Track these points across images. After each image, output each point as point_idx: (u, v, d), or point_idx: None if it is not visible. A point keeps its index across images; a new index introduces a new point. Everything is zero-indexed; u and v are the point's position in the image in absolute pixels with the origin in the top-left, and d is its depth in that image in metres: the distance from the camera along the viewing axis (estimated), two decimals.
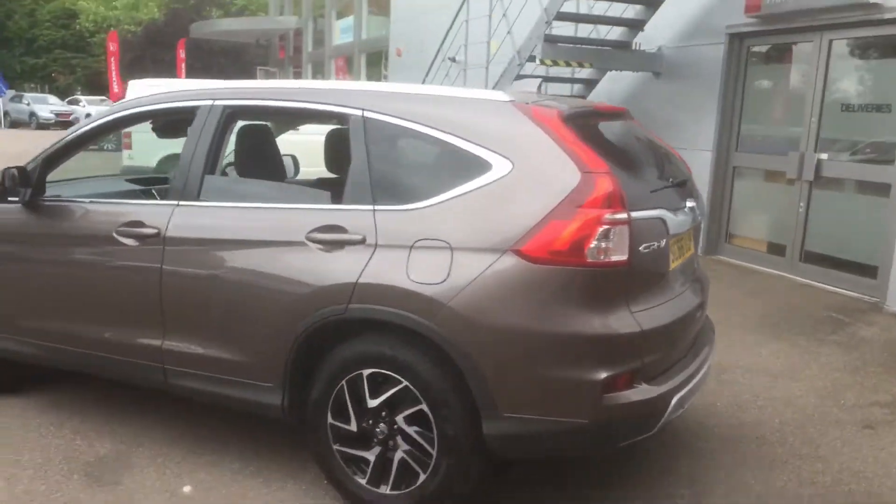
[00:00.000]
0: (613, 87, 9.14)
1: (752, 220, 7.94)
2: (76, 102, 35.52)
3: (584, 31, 8.92)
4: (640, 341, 2.70)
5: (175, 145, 3.69)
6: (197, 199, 3.30)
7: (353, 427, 2.96)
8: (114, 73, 34.78)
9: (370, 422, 2.93)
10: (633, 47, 8.55)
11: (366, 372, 2.90)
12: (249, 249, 3.11)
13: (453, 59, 13.94)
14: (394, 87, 3.17)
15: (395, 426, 2.89)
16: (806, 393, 4.43)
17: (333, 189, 3.13)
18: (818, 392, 4.45)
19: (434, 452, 2.81)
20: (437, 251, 2.74)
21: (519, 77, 8.60)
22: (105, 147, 22.48)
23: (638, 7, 8.25)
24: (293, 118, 3.73)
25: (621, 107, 3.46)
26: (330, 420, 3.01)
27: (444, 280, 2.70)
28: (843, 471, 3.48)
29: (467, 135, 2.83)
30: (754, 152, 7.69)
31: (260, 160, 3.60)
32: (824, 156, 6.75)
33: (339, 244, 2.92)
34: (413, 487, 2.88)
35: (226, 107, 3.37)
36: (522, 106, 2.87)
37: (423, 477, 2.85)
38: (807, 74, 6.96)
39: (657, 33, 8.42)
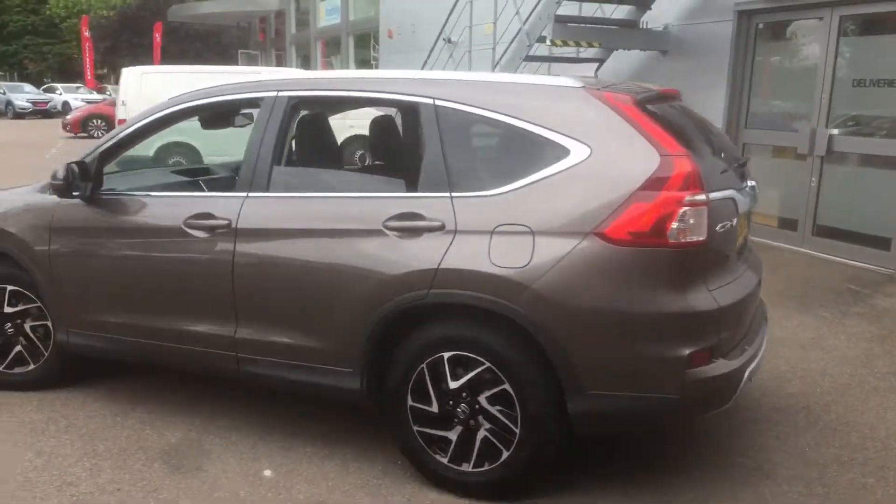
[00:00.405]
0: (619, 66, 9.21)
1: (762, 195, 8.05)
2: (52, 90, 34.99)
3: (588, 10, 8.96)
4: (718, 318, 2.81)
5: (173, 133, 3.73)
6: (266, 189, 3.35)
7: (435, 408, 3.05)
8: (88, 60, 34.11)
9: (450, 403, 3.02)
10: (641, 26, 8.61)
11: (446, 355, 2.98)
12: (324, 238, 3.16)
13: (448, 41, 13.97)
14: (463, 75, 3.23)
15: (477, 406, 2.97)
16: (839, 363, 4.58)
17: (405, 177, 3.19)
18: (851, 362, 4.60)
19: (517, 430, 2.91)
20: (518, 236, 2.82)
21: (528, 58, 8.65)
22: (94, 136, 22.22)
23: None
24: (358, 107, 3.78)
25: (674, 89, 3.54)
26: (410, 402, 3.09)
27: (528, 263, 2.78)
28: (891, 436, 3.63)
29: (543, 121, 2.91)
30: (764, 129, 7.82)
31: (321, 150, 3.65)
32: (836, 131, 6.89)
33: (417, 231, 2.99)
34: (496, 464, 2.98)
35: (290, 97, 3.41)
36: (595, 91, 2.95)
37: (506, 454, 2.95)
38: (817, 50, 7.08)
39: (663, 12, 8.50)
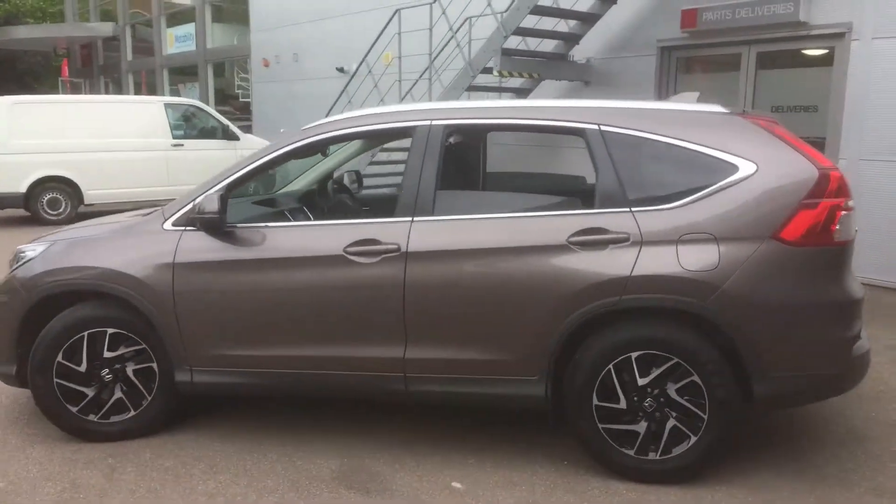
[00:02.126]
0: (543, 95, 9.91)
1: None
2: None
3: (525, 43, 9.56)
4: (862, 303, 3.38)
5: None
6: (432, 213, 3.50)
7: (622, 405, 3.35)
8: None
9: (636, 398, 3.35)
10: (569, 59, 9.37)
11: (634, 354, 3.31)
12: (504, 256, 3.38)
13: (341, 70, 14.15)
14: (619, 104, 3.59)
15: (663, 399, 3.32)
16: None
17: (579, 195, 3.49)
18: None
19: (706, 416, 3.29)
20: (703, 243, 3.23)
21: (471, 88, 9.11)
22: None
23: (574, 22, 9.06)
24: (511, 135, 3.97)
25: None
26: (595, 402, 3.37)
27: (716, 266, 3.20)
28: None
29: (707, 142, 3.35)
30: None
31: (479, 174, 3.84)
32: None
33: (602, 244, 3.31)
34: (683, 450, 3.34)
35: (446, 126, 3.59)
36: (742, 116, 3.44)
37: (693, 439, 3.32)
38: (735, 81, 8.15)
39: (586, 46, 9.31)
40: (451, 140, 4.17)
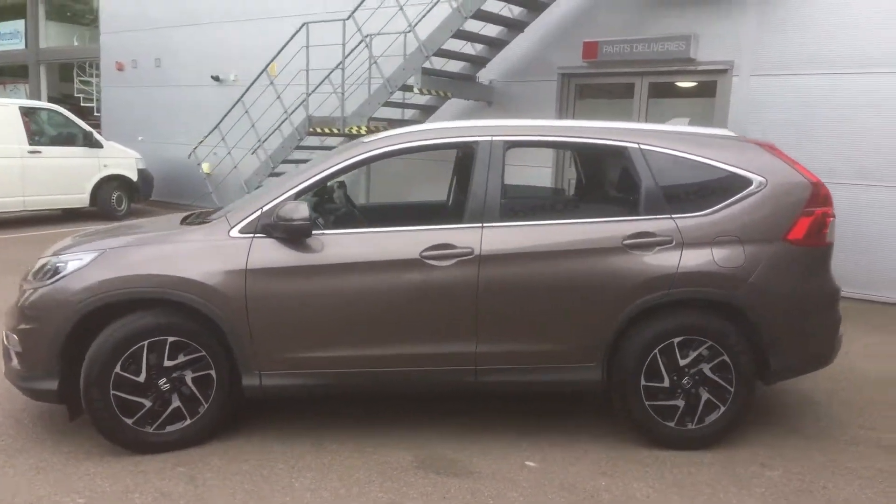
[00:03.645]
0: (446, 112, 10.46)
1: None
2: None
3: (429, 62, 10.03)
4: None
5: None
6: (500, 220, 3.88)
7: (666, 384, 3.92)
8: None
9: (676, 377, 3.93)
10: (476, 80, 9.99)
11: (676, 340, 3.89)
12: (568, 258, 3.84)
13: (216, 78, 13.85)
14: (651, 126, 4.17)
15: (698, 377, 3.92)
16: None
17: (626, 204, 4.01)
18: None
19: (732, 388, 3.93)
20: (732, 244, 3.89)
21: (391, 104, 9.44)
22: None
23: (481, 46, 9.70)
24: (563, 151, 4.34)
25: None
26: (643, 383, 3.91)
27: (742, 263, 3.87)
28: None
29: (727, 160, 4.02)
30: None
31: (536, 185, 4.23)
32: None
33: (651, 246, 3.87)
34: (714, 418, 3.96)
35: (506, 142, 3.99)
36: (748, 139, 4.17)
37: (722, 409, 3.95)
38: (629, 107, 9.16)
39: (489, 69, 9.99)
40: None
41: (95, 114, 17.41)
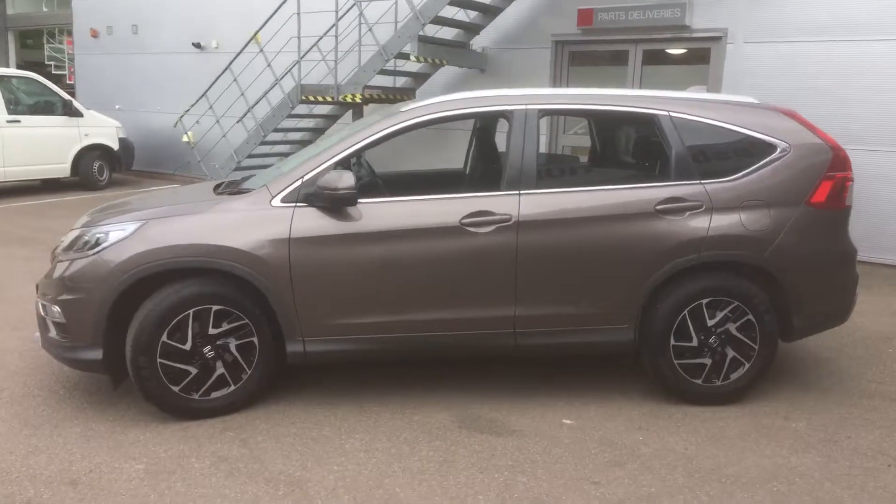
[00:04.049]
0: (439, 80, 10.46)
1: None
2: None
3: (423, 30, 10.00)
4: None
5: None
6: (536, 187, 3.97)
7: (694, 343, 4.07)
8: None
9: (703, 336, 4.09)
10: (470, 47, 9.98)
11: (705, 301, 4.04)
12: (603, 223, 3.95)
13: (198, 45, 13.62)
14: (682, 94, 4.27)
15: (724, 336, 4.09)
16: None
17: (658, 170, 4.12)
18: None
19: (756, 346, 4.11)
20: (759, 208, 4.03)
21: (383, 71, 9.41)
22: None
23: (475, 13, 9.68)
24: (595, 119, 4.41)
25: None
26: (673, 342, 4.07)
27: (769, 227, 4.02)
28: None
29: (752, 126, 4.15)
30: (579, 134, 9.82)
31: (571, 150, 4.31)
32: None
33: (682, 211, 3.99)
34: (739, 375, 4.13)
35: (540, 110, 4.06)
36: (770, 105, 4.29)
37: (746, 366, 4.12)
38: (623, 74, 9.26)
39: (482, 36, 10.00)
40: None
41: (68, 82, 17.02)
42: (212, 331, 3.82)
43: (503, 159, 4.04)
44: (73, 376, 4.40)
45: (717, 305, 4.06)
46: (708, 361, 4.10)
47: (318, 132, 11.41)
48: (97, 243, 3.82)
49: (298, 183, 3.88)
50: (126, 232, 3.79)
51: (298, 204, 3.85)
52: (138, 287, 3.78)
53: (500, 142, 4.46)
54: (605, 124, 4.32)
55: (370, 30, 9.29)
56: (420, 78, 10.41)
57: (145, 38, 14.58)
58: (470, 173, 5.39)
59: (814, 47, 7.99)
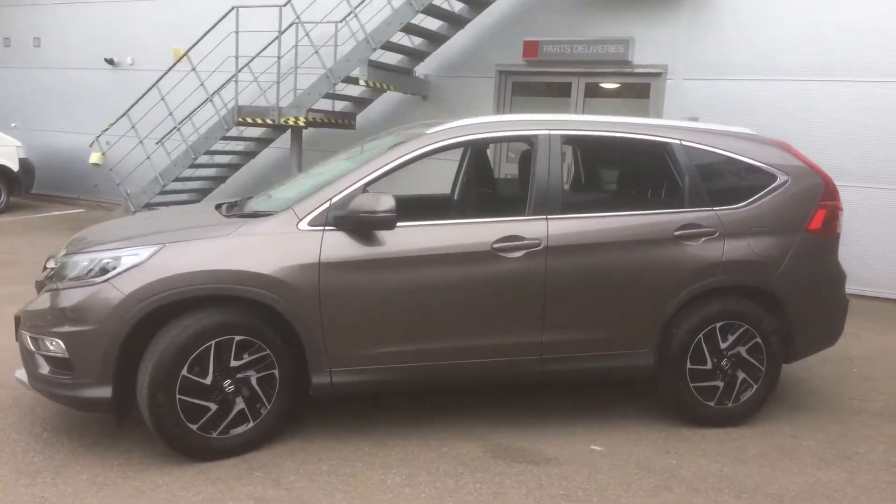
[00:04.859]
0: (379, 106, 10.40)
1: None
2: None
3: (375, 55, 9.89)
4: None
5: None
6: (562, 212, 3.99)
7: (709, 366, 4.18)
8: None
9: (716, 359, 4.21)
10: (414, 74, 9.98)
11: (718, 324, 4.17)
12: (626, 248, 4.02)
13: (111, 62, 12.97)
14: (688, 124, 4.41)
15: (735, 359, 4.22)
16: None
17: (674, 198, 4.22)
18: None
19: (764, 368, 4.26)
20: (765, 235, 4.22)
21: (329, 95, 9.25)
22: None
23: (419, 40, 9.71)
24: (614, 146, 4.41)
25: None
26: (689, 366, 4.16)
27: (775, 252, 4.21)
28: None
29: (756, 157, 4.35)
30: None
31: (595, 177, 4.35)
32: None
33: (698, 237, 4.12)
34: (748, 397, 4.27)
35: (563, 136, 4.10)
36: (767, 137, 4.52)
37: (755, 387, 4.27)
38: (566, 105, 9.51)
39: (425, 64, 10.04)
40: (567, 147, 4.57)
41: None
42: (233, 363, 3.57)
43: (530, 184, 4.03)
44: (51, 416, 4.00)
45: (728, 329, 4.18)
46: (721, 384, 4.22)
47: (248, 156, 11.06)
48: (105, 270, 3.50)
49: (326, 205, 3.71)
50: (140, 257, 3.50)
51: (327, 227, 3.69)
52: (150, 318, 3.49)
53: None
54: (620, 151, 4.39)
55: (316, 52, 9.11)
56: (361, 103, 10.31)
57: (49, 52, 13.73)
58: (459, 199, 5.35)
59: (750, 85, 8.52)
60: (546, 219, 3.95)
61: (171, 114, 10.36)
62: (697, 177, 4.22)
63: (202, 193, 11.56)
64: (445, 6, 9.17)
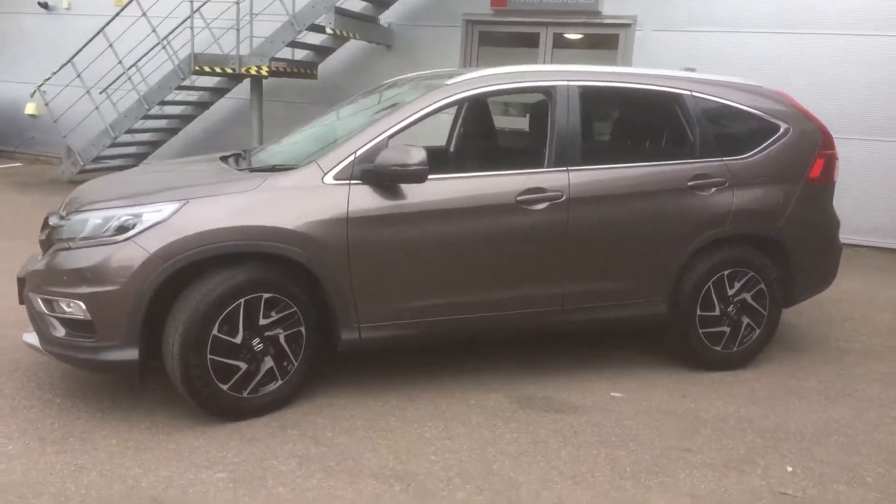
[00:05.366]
0: (342, 55, 10.12)
1: None
2: None
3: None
4: None
5: None
6: (581, 163, 3.99)
7: (717, 312, 4.31)
8: None
9: (722, 306, 4.34)
10: (378, 22, 9.72)
11: (726, 272, 4.29)
12: (643, 199, 4.07)
13: (44, 5, 12.23)
14: (697, 75, 4.45)
15: (741, 304, 4.36)
16: None
17: (685, 148, 4.27)
18: None
19: (766, 313, 4.43)
20: (770, 184, 4.34)
21: (296, 44, 8.93)
22: None
23: None
24: (629, 96, 4.36)
25: None
26: (699, 312, 4.28)
27: (779, 201, 4.34)
28: None
29: (760, 107, 4.44)
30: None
31: (612, 127, 4.36)
32: None
33: (709, 186, 4.21)
34: (752, 340, 4.43)
35: (580, 87, 4.08)
36: (769, 89, 4.61)
37: (758, 332, 4.43)
38: (534, 56, 9.46)
39: (390, 12, 9.79)
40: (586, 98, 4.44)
41: None
42: (262, 321, 3.49)
43: (549, 136, 4.01)
44: (56, 380, 3.85)
45: (735, 276, 4.31)
46: (727, 329, 4.35)
47: (202, 106, 10.64)
48: (125, 227, 3.34)
49: (351, 158, 3.62)
50: (164, 214, 3.35)
51: (353, 181, 3.60)
52: (173, 277, 3.36)
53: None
54: (634, 102, 4.40)
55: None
56: (323, 52, 10.00)
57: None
58: (455, 151, 5.29)
59: (718, 37, 8.62)
60: (567, 170, 3.95)
61: (120, 62, 9.84)
62: (707, 127, 4.28)
63: (153, 146, 11.12)
64: None
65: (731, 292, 4.31)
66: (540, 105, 4.20)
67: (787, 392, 4.13)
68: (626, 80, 4.27)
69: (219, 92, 10.46)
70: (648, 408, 3.85)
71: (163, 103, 10.02)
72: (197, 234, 3.32)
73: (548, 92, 4.06)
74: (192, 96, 10.51)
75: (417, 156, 3.50)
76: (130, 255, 3.29)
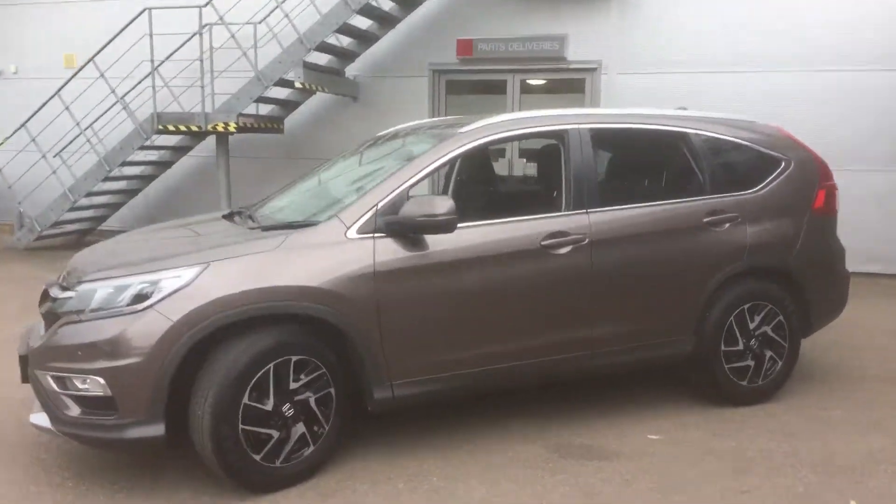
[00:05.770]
0: (306, 108, 10.04)
1: None
2: None
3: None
4: None
5: None
6: (600, 205, 3.96)
7: (741, 346, 4.28)
8: None
9: (746, 340, 4.31)
10: (344, 75, 9.69)
11: (746, 306, 4.28)
12: (662, 238, 4.05)
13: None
14: (699, 114, 4.49)
15: (762, 337, 4.34)
16: None
17: (698, 185, 4.27)
18: None
19: (786, 344, 4.42)
20: (779, 217, 4.38)
21: (261, 99, 8.82)
22: None
23: (348, 40, 9.43)
24: (637, 137, 4.33)
25: None
26: (723, 348, 4.24)
27: (790, 233, 4.38)
28: None
29: (760, 143, 4.50)
30: None
31: (624, 169, 4.34)
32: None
33: (723, 222, 4.21)
34: (775, 373, 4.40)
35: (591, 129, 4.06)
36: (765, 124, 4.69)
37: (780, 364, 4.41)
38: (502, 103, 9.54)
39: (355, 64, 9.79)
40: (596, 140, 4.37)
41: None
42: (292, 385, 3.29)
43: (564, 179, 3.96)
44: (62, 461, 3.56)
45: (754, 310, 4.29)
46: (751, 363, 4.32)
47: (163, 166, 10.37)
48: (143, 296, 3.13)
49: (373, 211, 3.49)
50: (184, 279, 3.15)
51: (376, 234, 3.47)
52: (199, 345, 3.16)
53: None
54: (643, 142, 4.41)
55: (245, 54, 8.65)
56: (288, 106, 9.90)
57: None
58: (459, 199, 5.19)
59: (678, 78, 8.85)
60: (587, 212, 3.90)
61: (77, 124, 9.54)
62: (714, 164, 4.31)
63: (112, 208, 10.75)
64: (376, 4, 8.94)
65: (752, 326, 4.29)
66: (551, 149, 4.16)
67: (819, 423, 4.10)
68: (632, 122, 4.28)
69: (180, 151, 10.23)
70: (689, 449, 3.75)
71: (122, 164, 9.73)
72: (223, 297, 3.13)
73: (559, 136, 4.03)
74: (153, 156, 10.24)
75: (444, 205, 3.40)
76: (151, 324, 3.07)
